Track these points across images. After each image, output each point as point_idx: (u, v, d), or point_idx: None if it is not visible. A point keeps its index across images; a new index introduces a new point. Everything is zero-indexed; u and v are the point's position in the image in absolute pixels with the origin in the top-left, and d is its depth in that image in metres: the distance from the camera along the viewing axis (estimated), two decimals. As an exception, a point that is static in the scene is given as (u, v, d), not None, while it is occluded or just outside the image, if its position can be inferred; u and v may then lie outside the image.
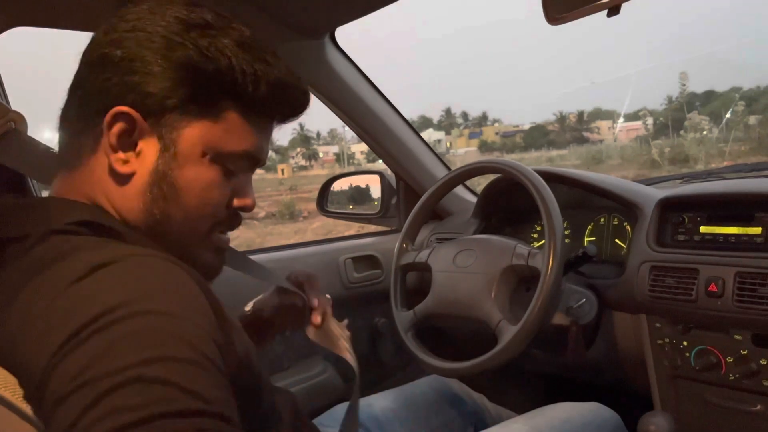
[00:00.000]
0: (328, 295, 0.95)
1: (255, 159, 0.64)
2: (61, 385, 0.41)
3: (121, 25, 0.58)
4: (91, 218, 0.56)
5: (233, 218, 0.66)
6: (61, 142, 0.63)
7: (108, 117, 0.56)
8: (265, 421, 0.68)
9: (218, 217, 0.63)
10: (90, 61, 0.59)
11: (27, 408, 0.47)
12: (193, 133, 0.59)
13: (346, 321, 0.99)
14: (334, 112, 1.53)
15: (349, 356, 0.92)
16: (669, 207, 1.18)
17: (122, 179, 0.59)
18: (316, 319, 0.90)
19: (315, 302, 0.91)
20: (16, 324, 0.48)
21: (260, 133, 0.63)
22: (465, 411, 1.22)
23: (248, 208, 0.66)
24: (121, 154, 0.58)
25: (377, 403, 1.17)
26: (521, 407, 1.15)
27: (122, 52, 0.56)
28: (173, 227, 0.61)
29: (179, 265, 0.53)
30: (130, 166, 0.58)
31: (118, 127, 0.56)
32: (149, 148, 0.58)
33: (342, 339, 0.94)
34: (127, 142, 0.57)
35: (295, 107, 0.65)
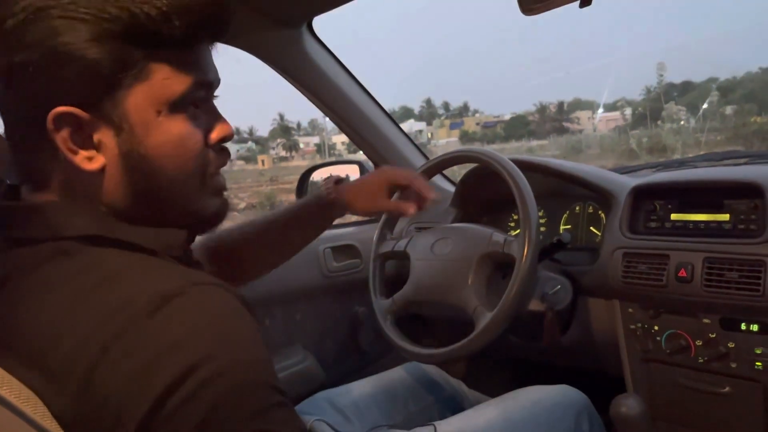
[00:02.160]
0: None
1: (206, 83, 0.59)
2: None
3: (9, 23, 0.51)
4: (99, 231, 0.55)
5: (220, 154, 0.62)
6: (19, 166, 0.59)
7: (50, 125, 0.52)
8: None
9: (204, 162, 0.60)
10: (1, 76, 0.53)
11: (27, 408, 0.47)
12: (135, 101, 0.54)
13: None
14: (312, 101, 1.53)
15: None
16: (641, 195, 1.21)
17: (97, 177, 0.55)
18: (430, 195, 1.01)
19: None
20: (59, 329, 0.49)
21: (196, 62, 0.57)
22: (443, 396, 1.24)
23: (228, 136, 0.62)
24: (83, 153, 0.54)
25: (356, 390, 1.18)
26: (499, 392, 1.18)
27: (31, 52, 0.51)
28: (166, 195, 0.58)
29: (232, 292, 0.54)
30: (96, 161, 0.55)
31: (66, 130, 0.53)
32: (106, 136, 0.55)
33: None
34: (82, 139, 0.54)
35: (218, 24, 0.58)
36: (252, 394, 0.49)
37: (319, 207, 1.00)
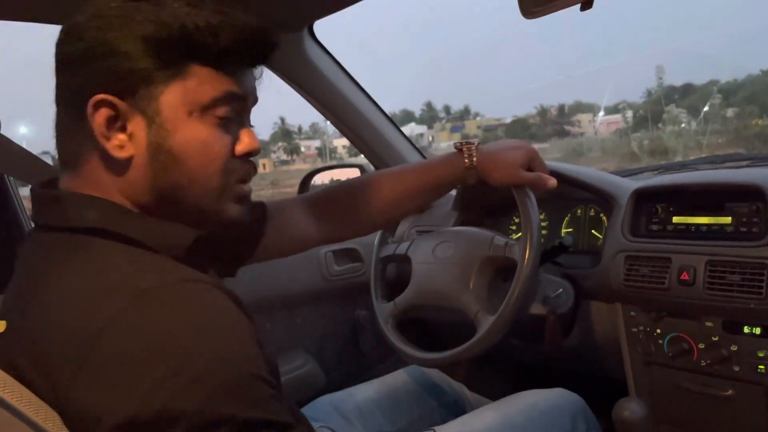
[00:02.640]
0: None
1: (241, 98, 0.63)
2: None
3: (78, 18, 0.58)
4: (106, 225, 0.58)
5: (245, 166, 0.66)
6: (59, 149, 0.63)
7: (89, 109, 0.57)
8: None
9: (227, 169, 0.63)
10: (60, 63, 0.60)
11: (29, 411, 0.48)
12: (170, 98, 0.59)
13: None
14: (312, 105, 1.54)
15: None
16: (643, 198, 1.21)
17: (124, 164, 0.59)
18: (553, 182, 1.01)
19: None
20: (51, 320, 0.53)
21: (235, 75, 0.62)
22: (445, 401, 1.24)
23: (254, 152, 0.66)
24: (115, 141, 0.58)
25: (358, 394, 1.18)
26: (501, 396, 1.17)
27: (85, 44, 0.57)
28: (185, 193, 0.61)
29: (224, 291, 0.57)
30: (127, 150, 0.59)
31: (102, 115, 0.57)
32: (138, 127, 0.59)
33: None
34: (117, 127, 0.58)
35: (261, 48, 0.64)
36: (243, 387, 0.51)
37: (453, 172, 0.98)
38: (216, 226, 0.66)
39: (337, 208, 0.99)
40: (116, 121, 0.58)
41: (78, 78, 0.58)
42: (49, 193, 0.62)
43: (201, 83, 0.59)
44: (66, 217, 0.59)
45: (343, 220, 0.99)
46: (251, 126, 0.68)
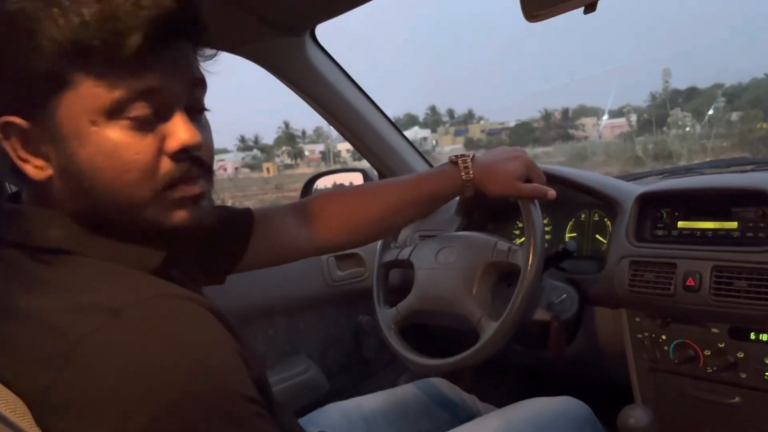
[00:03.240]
0: None
1: (149, 90, 0.53)
2: None
3: None
4: (71, 247, 0.55)
5: (181, 165, 0.56)
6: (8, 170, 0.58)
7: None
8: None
9: (153, 174, 0.55)
10: None
11: (23, 423, 0.47)
12: (66, 111, 0.52)
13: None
14: (314, 109, 1.53)
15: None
16: (647, 202, 1.19)
17: (50, 186, 0.55)
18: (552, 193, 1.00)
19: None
20: (26, 340, 0.50)
21: (137, 69, 0.52)
22: (456, 414, 1.22)
23: (189, 148, 0.56)
24: (33, 162, 0.54)
25: (367, 404, 1.16)
26: (507, 403, 1.16)
27: None
28: (108, 208, 0.55)
29: (202, 304, 0.54)
30: (44, 171, 0.54)
31: (14, 138, 0.53)
32: (48, 147, 0.54)
33: None
34: (32, 148, 0.54)
35: (173, 22, 0.52)
36: (223, 406, 0.49)
37: (450, 184, 0.97)
38: (171, 237, 0.59)
39: (328, 217, 0.95)
40: (30, 142, 0.54)
41: None
42: (13, 208, 0.58)
43: (93, 86, 0.51)
44: (30, 235, 0.55)
45: (335, 229, 0.95)
46: (204, 110, 0.60)
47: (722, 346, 1.06)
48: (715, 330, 1.07)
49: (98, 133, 0.52)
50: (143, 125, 0.54)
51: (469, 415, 1.21)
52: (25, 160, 0.54)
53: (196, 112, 0.59)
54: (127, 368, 0.46)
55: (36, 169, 0.54)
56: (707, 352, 1.08)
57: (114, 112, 0.52)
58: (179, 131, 0.55)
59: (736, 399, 1.08)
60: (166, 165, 0.55)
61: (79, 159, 0.53)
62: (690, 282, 1.05)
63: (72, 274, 0.53)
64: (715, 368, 1.07)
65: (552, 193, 1.00)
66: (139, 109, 0.53)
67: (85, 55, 0.50)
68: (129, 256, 0.56)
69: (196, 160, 0.58)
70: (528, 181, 1.00)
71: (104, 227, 0.56)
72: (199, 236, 0.60)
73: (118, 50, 0.50)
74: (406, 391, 1.22)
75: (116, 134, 0.53)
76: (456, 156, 0.98)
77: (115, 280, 0.53)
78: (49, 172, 0.54)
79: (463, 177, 0.95)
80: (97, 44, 0.49)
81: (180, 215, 0.57)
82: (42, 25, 0.49)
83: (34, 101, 0.52)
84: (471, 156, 0.98)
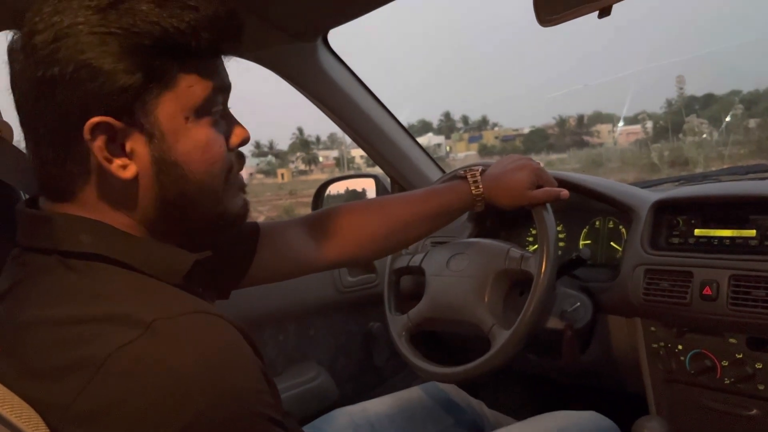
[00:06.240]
0: None
1: (226, 89, 0.62)
2: None
3: (37, 39, 0.53)
4: (100, 250, 0.55)
5: (239, 159, 0.66)
6: (43, 178, 0.60)
7: (86, 135, 0.54)
8: None
9: (228, 165, 0.63)
10: (28, 91, 0.55)
11: (28, 429, 0.47)
12: (165, 109, 0.56)
13: None
14: (327, 115, 1.53)
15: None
16: (663, 209, 1.18)
17: (128, 185, 0.57)
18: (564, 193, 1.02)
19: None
20: (51, 346, 0.50)
21: (216, 68, 0.61)
22: (463, 418, 1.21)
23: (247, 140, 0.65)
24: (117, 162, 0.56)
25: (372, 409, 1.16)
26: (519, 413, 1.15)
27: (60, 67, 0.52)
28: (194, 199, 0.60)
29: (229, 321, 0.54)
30: (130, 169, 0.57)
31: (100, 139, 0.54)
32: (137, 144, 0.56)
33: None
34: (115, 148, 0.56)
35: (235, 36, 0.60)
36: (247, 425, 0.50)
37: (460, 199, 0.98)
38: (223, 227, 0.65)
39: (337, 232, 0.94)
40: (114, 142, 0.56)
41: (60, 104, 0.54)
42: (38, 214, 0.59)
43: (190, 86, 0.57)
44: (57, 239, 0.56)
45: (343, 244, 0.95)
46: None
47: (740, 356, 1.04)
48: (732, 340, 1.05)
49: (191, 129, 0.58)
50: (218, 122, 0.61)
51: (475, 420, 1.20)
52: (110, 161, 0.56)
53: None
54: (158, 383, 0.47)
55: (121, 168, 0.56)
56: (724, 363, 1.06)
57: (203, 110, 0.59)
58: (239, 128, 0.64)
59: (754, 411, 1.05)
60: (231, 158, 0.64)
61: (175, 153, 0.58)
62: (707, 291, 1.03)
63: (101, 283, 0.54)
64: (732, 379, 1.05)
65: (565, 192, 1.01)
66: (218, 108, 0.61)
67: (187, 56, 0.56)
68: (158, 260, 0.58)
69: (240, 154, 0.66)
70: (538, 187, 1.00)
71: (163, 228, 0.60)
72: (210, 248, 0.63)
73: (213, 54, 0.59)
74: (412, 394, 1.21)
75: (204, 130, 0.59)
76: (465, 171, 1.00)
77: (146, 292, 0.54)
78: (135, 169, 0.57)
79: (474, 192, 0.97)
80: (201, 46, 0.56)
81: (240, 200, 0.66)
82: (154, 26, 0.53)
83: (137, 100, 0.55)
84: (480, 170, 0.99)
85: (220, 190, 0.62)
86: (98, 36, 0.52)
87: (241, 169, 0.66)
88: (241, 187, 0.67)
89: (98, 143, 0.54)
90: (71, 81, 0.53)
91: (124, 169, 0.56)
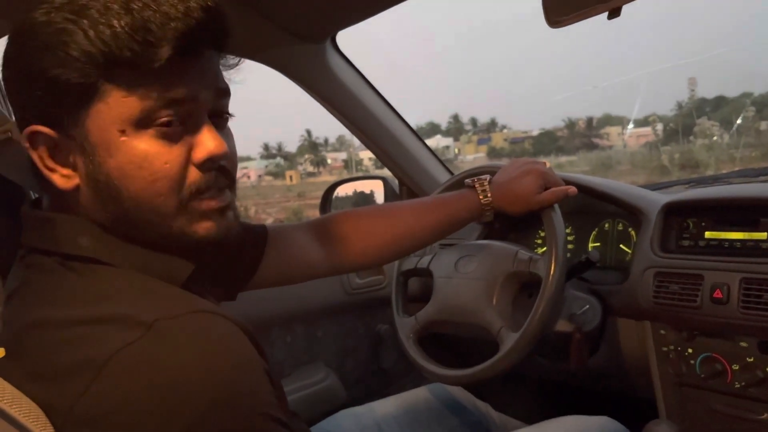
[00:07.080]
0: None
1: (179, 100, 0.53)
2: None
3: (12, 37, 0.54)
4: (101, 257, 0.55)
5: (207, 176, 0.56)
6: (36, 176, 0.59)
7: (25, 143, 0.53)
8: None
9: (181, 183, 0.55)
10: (6, 87, 0.57)
11: (36, 428, 0.47)
12: (96, 121, 0.52)
13: None
14: (335, 116, 1.53)
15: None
16: (673, 212, 1.17)
17: (77, 195, 0.55)
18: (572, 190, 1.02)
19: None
20: (54, 347, 0.50)
21: (165, 79, 0.52)
22: (469, 420, 1.20)
23: (216, 157, 0.56)
24: (60, 171, 0.54)
25: (379, 409, 1.16)
26: (527, 416, 1.14)
27: (16, 69, 0.53)
28: (136, 218, 0.55)
29: (232, 321, 0.54)
30: (72, 180, 0.55)
31: (42, 148, 0.54)
32: (76, 156, 0.54)
33: None
34: (61, 158, 0.54)
35: (201, 32, 0.52)
36: (250, 425, 0.49)
37: (469, 208, 0.98)
38: (197, 250, 0.59)
39: (344, 238, 0.94)
40: (58, 151, 0.54)
41: (18, 106, 0.55)
42: (40, 215, 0.58)
43: (122, 96, 0.51)
44: (57, 241, 0.55)
45: (350, 250, 0.94)
46: (228, 116, 0.60)
47: (751, 360, 1.03)
48: (743, 344, 1.04)
49: (127, 143, 0.53)
50: (171, 135, 0.54)
51: (482, 423, 1.20)
52: (53, 170, 0.54)
53: (221, 122, 0.59)
54: (161, 383, 0.47)
55: (63, 178, 0.54)
56: (735, 367, 1.05)
57: (143, 122, 0.52)
58: (206, 141, 0.55)
59: (765, 416, 1.04)
60: (193, 175, 0.55)
61: (108, 168, 0.53)
62: (717, 294, 1.02)
63: (103, 284, 0.53)
64: (743, 383, 1.04)
65: (572, 189, 1.00)
66: (168, 119, 0.53)
67: (115, 67, 0.50)
68: (156, 268, 0.56)
69: (221, 169, 0.58)
70: (545, 189, 0.99)
71: (131, 237, 0.56)
72: (215, 251, 0.61)
73: (148, 61, 0.50)
74: (418, 396, 1.21)
75: (145, 144, 0.53)
76: (472, 179, 0.99)
77: (147, 293, 0.54)
78: (76, 181, 0.55)
79: (482, 201, 0.97)
80: (127, 55, 0.49)
81: (206, 226, 0.57)
82: (72, 37, 0.50)
83: (64, 111, 0.52)
84: (488, 178, 0.99)
85: (169, 210, 0.55)
86: (49, 38, 0.51)
87: (216, 188, 0.57)
88: (208, 211, 0.57)
89: (39, 152, 0.54)
90: (22, 84, 0.53)
91: (67, 179, 0.55)
